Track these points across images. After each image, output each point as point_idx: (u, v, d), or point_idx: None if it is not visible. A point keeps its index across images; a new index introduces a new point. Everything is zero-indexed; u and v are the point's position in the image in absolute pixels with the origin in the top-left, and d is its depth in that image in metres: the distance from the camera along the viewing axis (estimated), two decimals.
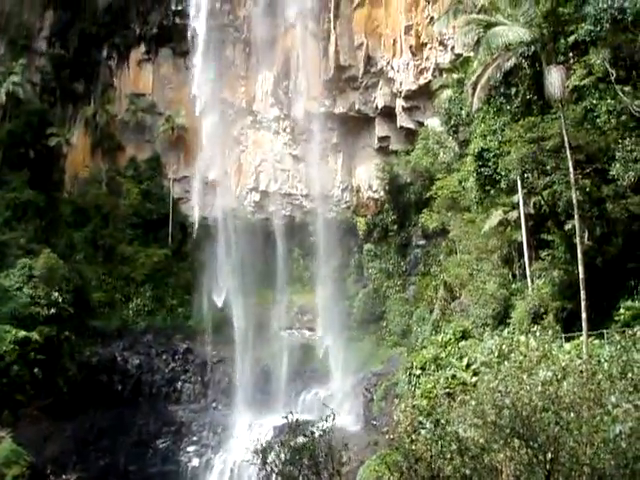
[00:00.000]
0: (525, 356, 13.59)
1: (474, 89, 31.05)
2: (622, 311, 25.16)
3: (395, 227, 60.85)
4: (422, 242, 58.64)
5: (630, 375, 11.51)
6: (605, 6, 22.89)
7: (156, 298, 63.34)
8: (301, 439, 13.06)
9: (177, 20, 68.19)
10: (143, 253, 64.65)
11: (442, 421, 12.60)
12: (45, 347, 46.39)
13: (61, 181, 65.02)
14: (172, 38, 69.01)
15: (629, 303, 25.32)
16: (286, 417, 13.57)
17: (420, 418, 13.53)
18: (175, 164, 69.43)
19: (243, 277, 61.72)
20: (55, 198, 60.28)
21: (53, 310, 48.44)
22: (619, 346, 12.66)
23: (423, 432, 12.44)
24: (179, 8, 67.78)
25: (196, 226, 66.73)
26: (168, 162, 69.84)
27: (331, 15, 62.65)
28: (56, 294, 49.27)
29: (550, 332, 20.13)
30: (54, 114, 66.07)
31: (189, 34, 66.92)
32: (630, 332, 14.13)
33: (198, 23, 66.36)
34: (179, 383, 59.01)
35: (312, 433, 13.05)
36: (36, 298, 48.52)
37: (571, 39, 27.44)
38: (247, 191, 68.77)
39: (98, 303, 58.81)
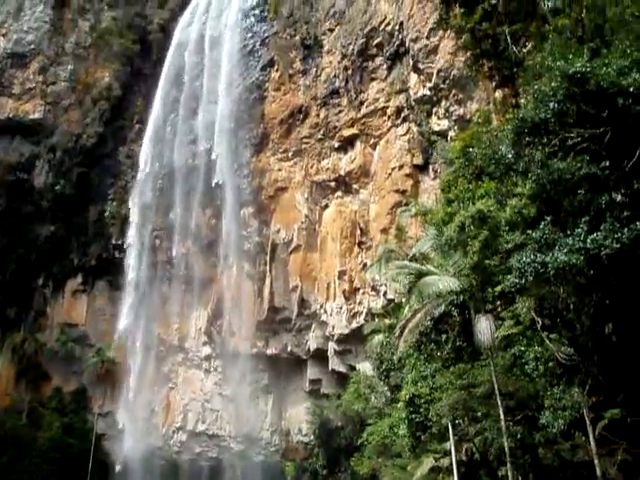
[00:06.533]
0: None
1: (401, 332, 31.54)
2: None
3: (324, 472, 58.87)
4: None
5: None
6: (528, 260, 23.99)
7: None
8: None
9: (116, 254, 69.51)
10: None
11: None
12: None
13: None
14: (109, 271, 69.88)
15: None
16: None
17: None
18: (101, 398, 67.68)
19: None
20: None
21: None
22: None
23: None
24: (119, 242, 69.31)
25: (118, 467, 63.80)
26: (94, 396, 68.13)
27: (267, 257, 64.46)
28: None
29: None
30: None
31: (126, 269, 67.85)
32: None
33: (134, 259, 67.60)
34: None
35: None
36: None
37: (498, 289, 28.49)
38: (174, 430, 66.73)
39: None
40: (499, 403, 26.18)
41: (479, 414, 28.63)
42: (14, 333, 67.60)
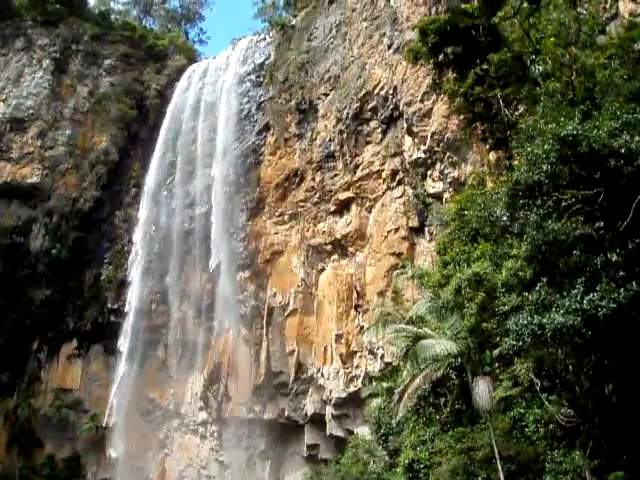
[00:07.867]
0: None
1: (401, 397, 31.29)
2: None
3: None
4: None
5: None
6: (525, 322, 23.98)
7: None
8: None
9: (112, 318, 69.31)
10: None
11: None
12: None
13: None
14: (105, 335, 69.51)
15: None
16: None
17: None
18: (95, 465, 66.59)
19: None
20: None
21: None
22: None
23: None
24: (115, 306, 69.14)
25: None
26: (88, 463, 67.03)
27: (264, 322, 64.09)
28: None
29: None
30: None
31: (122, 333, 67.43)
32: None
33: (129, 323, 67.34)
34: None
35: None
36: None
37: (496, 351, 28.35)
38: None
39: None
40: (499, 467, 25.79)
41: (480, 479, 28.18)
42: (7, 398, 66.82)
